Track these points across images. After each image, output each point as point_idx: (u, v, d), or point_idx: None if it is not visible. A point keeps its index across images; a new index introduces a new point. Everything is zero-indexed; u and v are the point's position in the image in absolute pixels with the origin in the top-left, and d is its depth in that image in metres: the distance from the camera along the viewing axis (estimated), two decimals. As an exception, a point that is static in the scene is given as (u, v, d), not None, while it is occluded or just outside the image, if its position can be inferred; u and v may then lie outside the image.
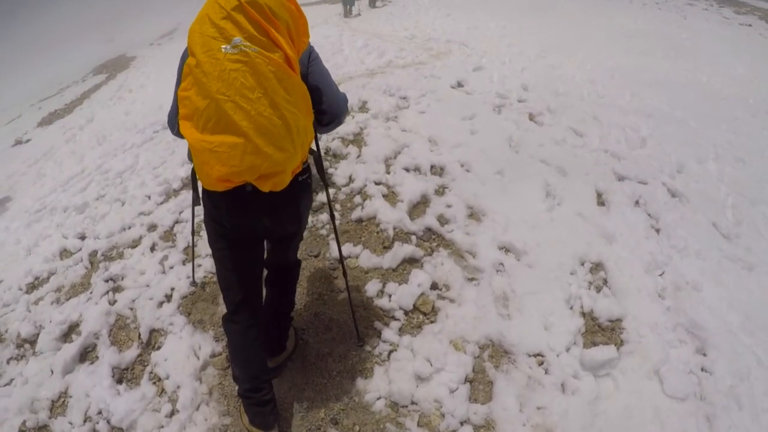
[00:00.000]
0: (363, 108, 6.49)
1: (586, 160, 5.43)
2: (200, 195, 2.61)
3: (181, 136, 2.33)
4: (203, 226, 4.31)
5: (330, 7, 19.24)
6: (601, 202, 4.83)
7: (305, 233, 4.41)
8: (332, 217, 3.21)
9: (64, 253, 4.84)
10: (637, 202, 4.86)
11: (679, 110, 7.01)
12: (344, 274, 3.36)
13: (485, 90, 7.11)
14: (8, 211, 6.22)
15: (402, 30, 11.68)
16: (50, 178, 6.74)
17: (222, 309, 3.81)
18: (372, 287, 3.90)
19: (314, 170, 2.85)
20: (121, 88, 11.03)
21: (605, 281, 3.97)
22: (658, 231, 4.53)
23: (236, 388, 2.99)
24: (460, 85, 7.41)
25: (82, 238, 4.98)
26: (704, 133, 6.38)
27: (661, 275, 4.02)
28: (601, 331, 3.59)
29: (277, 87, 2.02)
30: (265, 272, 3.08)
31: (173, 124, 2.49)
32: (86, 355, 3.75)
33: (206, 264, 4.22)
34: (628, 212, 4.67)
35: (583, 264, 4.09)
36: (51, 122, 9.91)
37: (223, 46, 1.97)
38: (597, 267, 4.09)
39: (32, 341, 3.96)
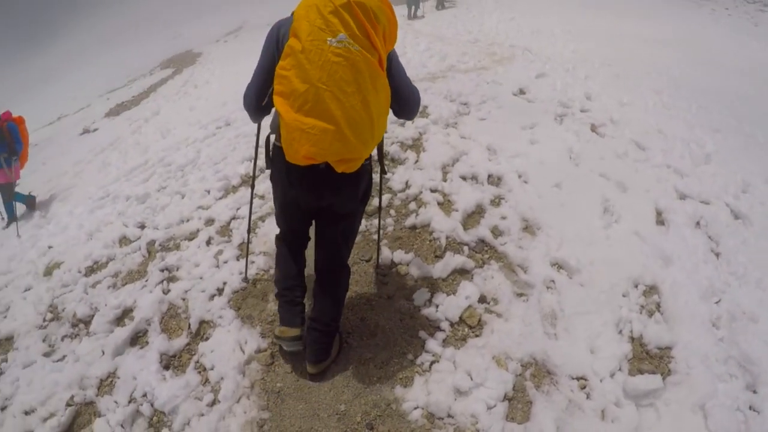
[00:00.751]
0: (423, 113, 6.48)
1: (647, 176, 5.30)
2: (271, 160, 2.89)
3: (256, 110, 2.77)
4: (259, 224, 4.53)
5: (395, 9, 19.17)
6: (660, 221, 4.69)
7: (359, 237, 4.44)
8: (380, 193, 3.83)
9: (124, 241, 5.06)
10: (698, 223, 4.71)
11: (748, 124, 6.79)
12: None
13: (547, 98, 6.99)
14: (73, 197, 6.49)
15: (465, 33, 11.60)
16: (114, 168, 7.00)
17: (271, 305, 3.92)
18: (420, 296, 3.88)
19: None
20: (186, 83, 11.27)
21: (658, 306, 3.84)
22: (717, 255, 4.38)
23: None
24: (522, 92, 7.30)
25: (142, 227, 5.19)
26: (773, 149, 6.10)
27: (717, 303, 3.86)
28: (648, 358, 3.47)
29: (369, 85, 2.29)
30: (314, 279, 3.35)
31: (254, 97, 2.72)
32: (137, 339, 3.91)
33: (259, 261, 4.31)
34: (688, 234, 4.52)
35: (636, 286, 3.96)
36: (118, 113, 10.22)
37: (329, 39, 2.22)
38: (651, 290, 3.96)
39: (87, 321, 4.18)
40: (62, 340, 4.11)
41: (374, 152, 2.95)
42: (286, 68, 2.32)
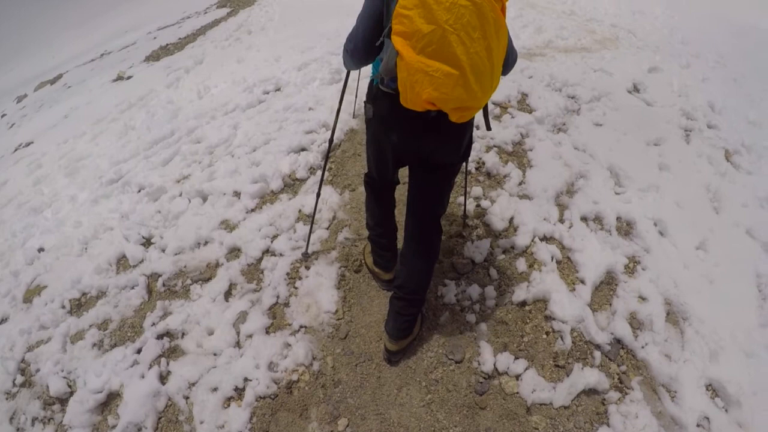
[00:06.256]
0: (523, 104, 4.84)
1: None
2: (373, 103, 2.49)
3: (364, 52, 2.36)
4: (301, 272, 3.24)
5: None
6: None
7: (446, 324, 2.92)
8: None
9: (122, 263, 3.53)
10: None
11: None
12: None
13: (667, 102, 5.38)
14: (82, 172, 4.89)
15: (559, 3, 9.52)
16: (136, 135, 5.37)
17: (313, 426, 2.48)
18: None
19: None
20: (240, 27, 9.24)
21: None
22: None
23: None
24: (636, 89, 5.62)
25: (147, 243, 3.63)
26: None
27: None
28: None
29: (493, 33, 1.98)
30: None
31: (362, 41, 2.33)
32: (126, 452, 2.51)
33: (297, 349, 2.74)
34: None
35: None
36: (158, 58, 8.40)
37: None
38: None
39: (63, 400, 2.81)
40: (33, 424, 2.74)
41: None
42: (407, 7, 1.95)
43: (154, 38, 10.34)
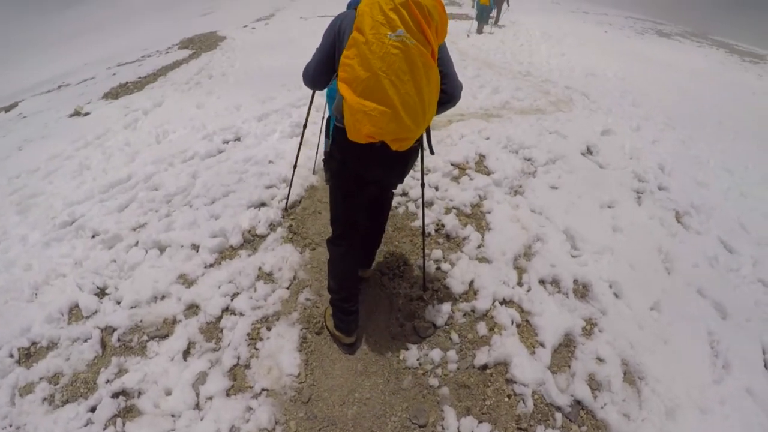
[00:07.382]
0: (481, 165, 5.02)
1: (744, 295, 4.10)
2: (333, 138, 2.78)
3: (313, 87, 2.90)
4: (263, 334, 3.19)
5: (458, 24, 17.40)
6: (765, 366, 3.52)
7: (410, 387, 2.90)
8: (422, 172, 3.26)
9: (74, 314, 3.38)
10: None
11: None
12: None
13: (620, 165, 5.66)
14: (34, 210, 4.73)
15: (515, 63, 9.98)
16: (91, 176, 5.24)
17: None
18: None
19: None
20: (201, 71, 9.31)
21: None
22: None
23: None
24: (590, 151, 5.90)
25: (101, 294, 3.51)
26: None
27: None
28: None
29: (422, 75, 2.33)
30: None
31: (313, 76, 2.74)
32: None
33: (260, 414, 2.67)
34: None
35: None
36: (117, 96, 8.29)
37: (389, 33, 2.24)
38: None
39: None
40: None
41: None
42: (349, 57, 2.33)
43: (114, 74, 10.25)
